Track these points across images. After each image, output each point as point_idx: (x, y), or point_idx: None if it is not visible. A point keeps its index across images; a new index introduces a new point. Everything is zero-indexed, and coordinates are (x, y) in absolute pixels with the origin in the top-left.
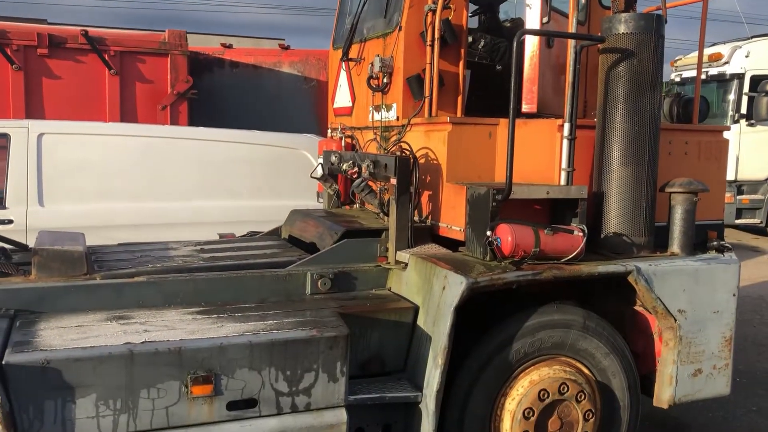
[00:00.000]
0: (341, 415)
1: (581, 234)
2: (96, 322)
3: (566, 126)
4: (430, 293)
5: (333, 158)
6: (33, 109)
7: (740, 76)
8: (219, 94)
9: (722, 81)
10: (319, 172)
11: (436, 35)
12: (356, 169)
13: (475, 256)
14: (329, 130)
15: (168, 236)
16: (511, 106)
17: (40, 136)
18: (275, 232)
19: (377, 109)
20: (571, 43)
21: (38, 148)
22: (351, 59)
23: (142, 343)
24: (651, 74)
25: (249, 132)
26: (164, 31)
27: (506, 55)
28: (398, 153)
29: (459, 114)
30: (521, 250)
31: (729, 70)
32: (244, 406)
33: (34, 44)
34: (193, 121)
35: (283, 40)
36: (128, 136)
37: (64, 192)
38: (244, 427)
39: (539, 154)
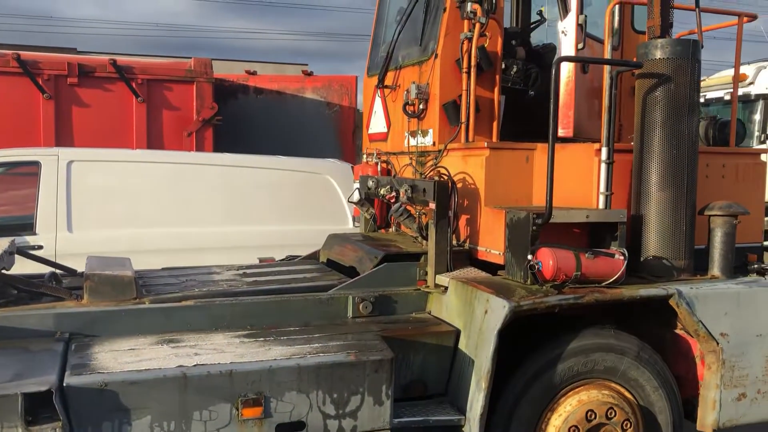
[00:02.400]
0: None
1: (622, 257)
2: (147, 346)
3: (604, 150)
4: (471, 317)
5: (370, 183)
6: (63, 137)
7: (765, 97)
8: (243, 120)
9: (747, 102)
10: (356, 196)
11: (473, 62)
12: (394, 193)
13: (515, 279)
14: (364, 155)
15: (194, 261)
16: (551, 131)
17: (70, 163)
18: (313, 256)
19: (413, 134)
20: (607, 68)
21: (68, 175)
22: (386, 86)
23: (194, 366)
24: (688, 98)
25: (273, 157)
26: (190, 58)
27: (538, 80)
28: (436, 177)
29: (494, 139)
30: (563, 274)
31: (754, 90)
32: (292, 429)
33: (65, 74)
34: (218, 147)
35: (306, 65)
36: (155, 162)
37: (93, 218)
38: None
39: (577, 178)
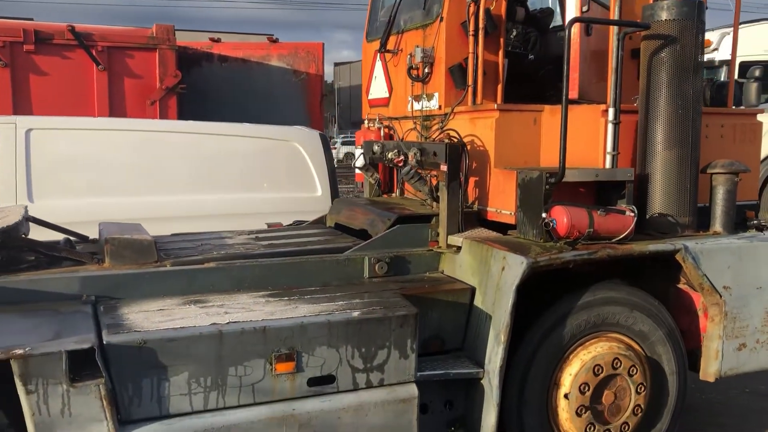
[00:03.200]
0: (413, 390)
1: (632, 214)
2: (176, 306)
3: (611, 111)
4: (487, 274)
5: (376, 147)
6: (20, 106)
7: (729, 63)
8: (208, 88)
9: (711, 68)
10: (361, 161)
11: (480, 25)
12: (402, 157)
13: (527, 238)
14: (365, 121)
15: (160, 230)
16: (564, 92)
17: (29, 131)
18: (321, 221)
19: (417, 98)
20: (614, 30)
21: (27, 143)
22: (388, 51)
23: (229, 323)
24: (693, 59)
25: (241, 125)
26: (152, 26)
27: (537, 44)
28: (446, 140)
29: (499, 101)
30: (576, 231)
31: (718, 56)
32: (323, 382)
33: (21, 41)
34: (183, 116)
35: (272, 35)
36: (118, 130)
37: (54, 187)
38: (324, 402)
39: (584, 139)
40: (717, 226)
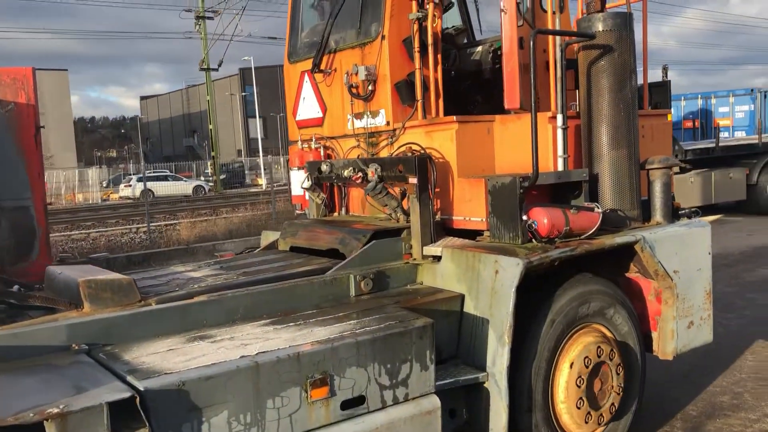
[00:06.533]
0: (435, 401)
1: (599, 211)
2: (184, 344)
3: (559, 117)
4: (477, 279)
5: (324, 167)
6: None
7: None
8: None
9: None
10: (308, 182)
11: (430, 41)
12: (360, 174)
13: (503, 241)
14: (299, 142)
15: None
16: (532, 100)
17: None
18: (272, 247)
19: (359, 116)
20: (557, 42)
21: None
22: (321, 71)
23: (263, 353)
24: (629, 65)
25: None
26: None
27: (456, 60)
28: (409, 154)
29: (440, 116)
30: (555, 230)
31: None
32: (354, 404)
33: None
34: None
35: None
36: None
37: None
38: (358, 425)
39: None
40: (658, 216)
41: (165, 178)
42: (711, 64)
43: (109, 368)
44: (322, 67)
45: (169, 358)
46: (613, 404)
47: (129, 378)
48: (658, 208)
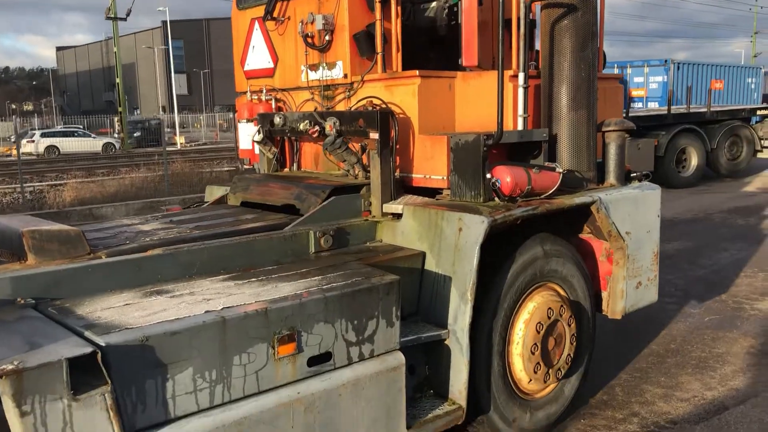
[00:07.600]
0: (400, 357)
1: (560, 171)
2: (141, 299)
3: (521, 76)
4: (440, 237)
5: (277, 120)
6: None
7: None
8: None
9: None
10: (259, 135)
11: None
12: (317, 128)
13: (465, 199)
14: (248, 93)
15: None
16: (499, 57)
17: None
18: (221, 201)
19: (313, 68)
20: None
21: None
22: (274, 18)
23: (230, 308)
24: (591, 26)
25: None
26: None
27: (411, 15)
28: (370, 108)
29: (398, 69)
30: (518, 189)
31: None
32: (321, 360)
33: None
34: None
35: None
36: None
37: None
38: (324, 381)
39: (493, 103)
40: (612, 178)
41: (72, 134)
42: (640, 36)
43: (62, 323)
44: (275, 14)
45: (128, 313)
46: (566, 359)
47: (87, 333)
48: (612, 170)
